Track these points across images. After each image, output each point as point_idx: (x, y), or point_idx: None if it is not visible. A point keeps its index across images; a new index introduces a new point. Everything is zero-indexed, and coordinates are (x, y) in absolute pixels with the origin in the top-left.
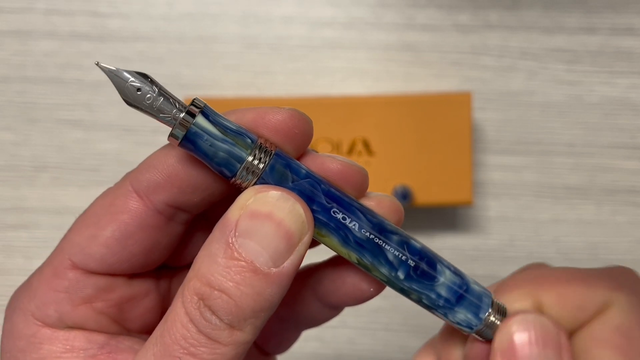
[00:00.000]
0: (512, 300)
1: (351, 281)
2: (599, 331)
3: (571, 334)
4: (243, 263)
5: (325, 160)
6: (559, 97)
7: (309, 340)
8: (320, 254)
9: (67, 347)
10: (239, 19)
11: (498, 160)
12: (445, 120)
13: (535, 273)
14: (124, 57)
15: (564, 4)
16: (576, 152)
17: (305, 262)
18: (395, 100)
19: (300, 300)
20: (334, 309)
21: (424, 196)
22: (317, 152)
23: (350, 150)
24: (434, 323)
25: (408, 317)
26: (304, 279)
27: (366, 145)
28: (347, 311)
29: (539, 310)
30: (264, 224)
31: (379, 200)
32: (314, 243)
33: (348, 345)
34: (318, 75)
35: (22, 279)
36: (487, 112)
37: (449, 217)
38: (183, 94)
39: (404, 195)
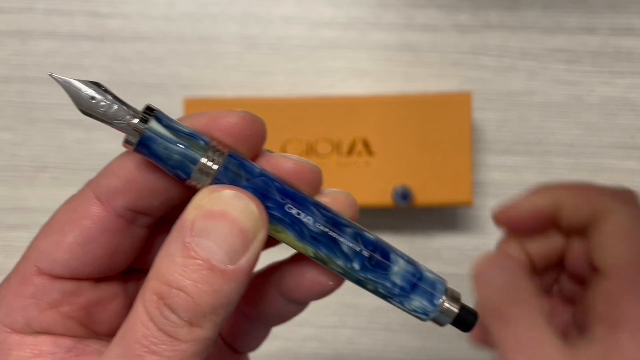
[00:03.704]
0: (537, 199)
1: (310, 276)
2: (609, 228)
3: (583, 232)
4: (200, 262)
5: (279, 160)
6: (559, 97)
7: (308, 340)
8: (283, 252)
9: (35, 352)
10: (239, 19)
11: (498, 160)
12: (445, 120)
13: (558, 182)
14: (124, 57)
15: (564, 4)
16: (576, 152)
17: (269, 261)
18: (395, 100)
19: (265, 298)
20: (299, 305)
21: (424, 196)
22: (272, 152)
23: (350, 151)
24: (434, 324)
25: (408, 317)
26: (267, 277)
27: (366, 145)
28: (347, 311)
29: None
30: (218, 223)
31: (334, 196)
32: (274, 242)
33: (348, 345)
34: (318, 75)
35: None
36: (487, 112)
37: (449, 217)
38: (183, 94)
39: (404, 195)
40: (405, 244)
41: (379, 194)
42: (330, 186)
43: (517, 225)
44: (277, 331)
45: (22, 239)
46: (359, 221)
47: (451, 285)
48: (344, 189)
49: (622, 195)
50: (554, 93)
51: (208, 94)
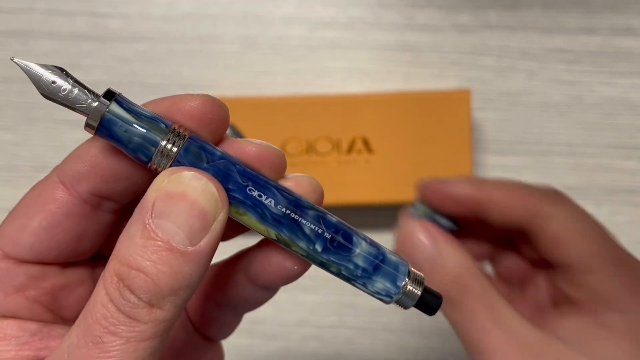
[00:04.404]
0: (467, 186)
1: (276, 260)
2: (560, 227)
3: (520, 231)
4: (159, 243)
5: (241, 144)
6: (559, 97)
7: (309, 340)
8: (253, 239)
9: (0, 335)
10: (239, 19)
11: (498, 160)
12: (445, 117)
13: (486, 179)
14: (124, 57)
15: (563, 4)
16: (576, 152)
17: (240, 248)
18: (394, 98)
19: (234, 284)
20: (267, 290)
21: None
22: (242, 136)
23: (350, 149)
24: (434, 324)
25: (408, 317)
26: (236, 263)
27: (366, 143)
28: (347, 311)
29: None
30: (178, 204)
31: (297, 180)
32: (244, 229)
33: (348, 345)
34: (318, 75)
35: None
36: (487, 112)
37: None
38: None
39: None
40: None
41: (379, 192)
42: (330, 184)
43: (441, 202)
44: (277, 331)
45: None
46: (359, 220)
47: None
48: (344, 187)
49: (554, 196)
50: (554, 93)
51: (208, 94)
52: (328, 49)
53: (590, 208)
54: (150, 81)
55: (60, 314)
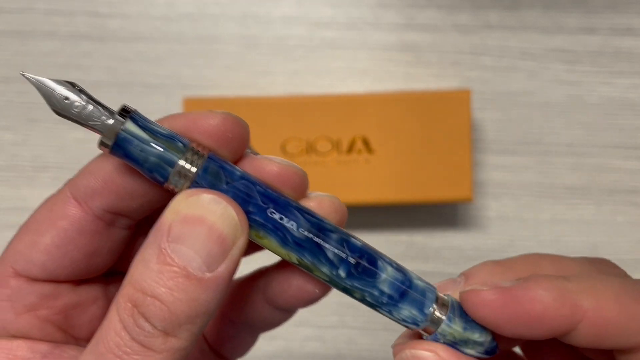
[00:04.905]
0: (543, 300)
1: (296, 283)
2: None
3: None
4: (176, 269)
5: (262, 163)
6: (559, 97)
7: (309, 340)
8: (272, 258)
9: (10, 356)
10: (239, 19)
11: (498, 160)
12: (445, 117)
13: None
14: (124, 57)
15: (564, 4)
16: (576, 152)
17: (258, 266)
18: (394, 97)
19: (251, 304)
20: (285, 312)
21: (424, 193)
22: (257, 154)
23: (350, 149)
24: None
25: None
26: (254, 282)
27: (366, 143)
28: (347, 311)
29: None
30: (195, 228)
31: (319, 200)
32: (259, 247)
33: (348, 345)
34: (318, 75)
35: None
36: (487, 112)
37: (449, 216)
38: (183, 94)
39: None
40: (405, 243)
41: (379, 192)
42: (330, 184)
43: (502, 320)
44: (277, 331)
45: None
46: (359, 219)
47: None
48: (344, 187)
49: None
50: (554, 93)
51: (208, 93)
52: (328, 49)
53: (590, 208)
54: (150, 81)
55: (72, 334)
